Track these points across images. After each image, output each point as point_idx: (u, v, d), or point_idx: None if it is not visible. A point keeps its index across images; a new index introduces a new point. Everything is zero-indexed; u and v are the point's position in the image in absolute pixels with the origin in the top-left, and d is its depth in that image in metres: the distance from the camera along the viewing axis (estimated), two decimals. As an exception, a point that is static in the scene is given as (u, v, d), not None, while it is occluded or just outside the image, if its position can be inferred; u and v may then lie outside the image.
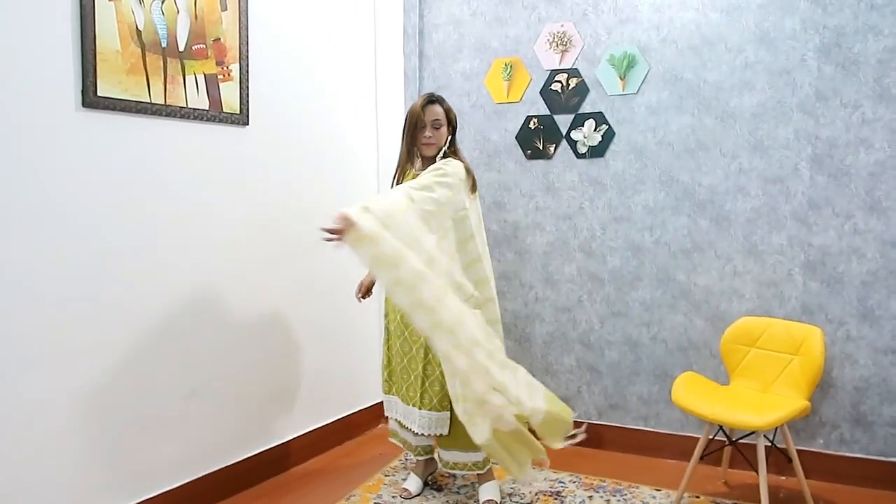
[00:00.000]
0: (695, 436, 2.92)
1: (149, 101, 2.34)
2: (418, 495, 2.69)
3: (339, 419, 3.30)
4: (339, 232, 1.99)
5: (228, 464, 2.70)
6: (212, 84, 2.58)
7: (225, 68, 2.63)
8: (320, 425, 3.19)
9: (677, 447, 3.02)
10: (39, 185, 2.05)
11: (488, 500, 2.56)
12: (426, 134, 2.51)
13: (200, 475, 2.58)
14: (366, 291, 2.78)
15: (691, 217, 3.00)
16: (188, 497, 2.52)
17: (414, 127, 2.53)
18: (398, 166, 2.62)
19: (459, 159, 2.54)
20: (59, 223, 2.10)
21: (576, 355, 3.26)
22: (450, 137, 2.59)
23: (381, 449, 3.18)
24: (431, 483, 2.80)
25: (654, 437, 3.10)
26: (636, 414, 3.15)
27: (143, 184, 2.35)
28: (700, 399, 2.50)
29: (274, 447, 2.92)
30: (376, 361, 3.16)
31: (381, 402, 2.85)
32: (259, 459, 2.84)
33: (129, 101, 2.28)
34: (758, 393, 2.61)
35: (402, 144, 2.60)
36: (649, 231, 3.08)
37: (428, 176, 2.36)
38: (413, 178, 2.48)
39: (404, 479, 2.80)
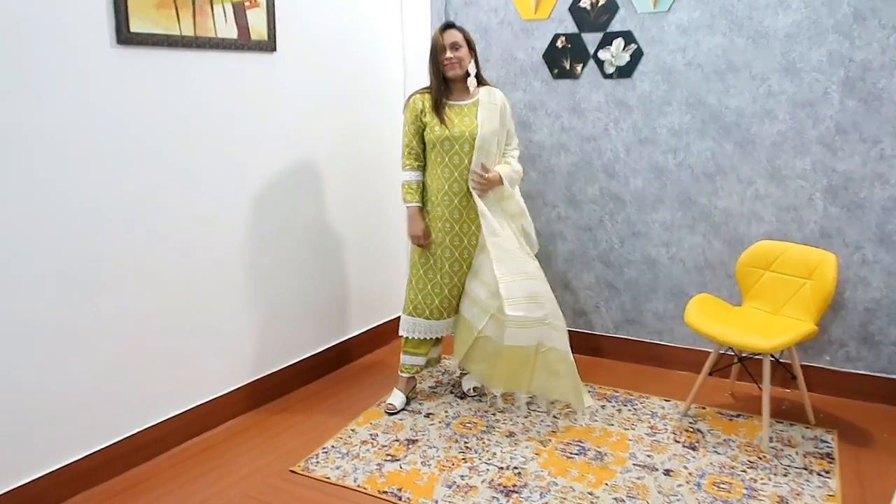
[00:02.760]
0: (705, 350, 3.08)
1: (179, 34, 2.39)
2: (402, 410, 2.90)
3: (385, 322, 3.60)
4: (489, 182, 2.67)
5: (306, 356, 3.10)
6: (239, 12, 2.60)
7: (251, -5, 2.64)
8: (374, 325, 3.54)
9: (688, 360, 3.20)
10: (85, 124, 2.16)
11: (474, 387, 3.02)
12: (447, 55, 2.64)
13: (281, 366, 3.04)
14: (426, 235, 2.79)
15: (716, 140, 3.00)
16: (273, 383, 2.96)
17: (434, 52, 2.66)
18: (433, 97, 2.70)
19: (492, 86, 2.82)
20: (112, 158, 2.23)
21: (595, 273, 3.38)
22: (472, 59, 2.70)
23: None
24: (412, 398, 3.01)
25: (666, 350, 3.27)
26: (651, 329, 3.31)
27: (179, 117, 2.45)
28: (711, 320, 2.63)
29: (336, 344, 3.31)
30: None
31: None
32: (326, 355, 3.25)
33: (160, 35, 2.33)
34: (768, 315, 2.74)
35: (430, 75, 2.70)
36: (673, 154, 3.11)
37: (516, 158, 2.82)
38: (450, 111, 2.68)
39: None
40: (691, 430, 2.72)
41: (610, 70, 3.14)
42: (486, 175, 2.66)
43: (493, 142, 2.67)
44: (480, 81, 2.74)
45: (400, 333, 2.90)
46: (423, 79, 2.80)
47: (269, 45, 2.75)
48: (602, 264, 3.36)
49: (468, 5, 3.38)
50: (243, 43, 2.64)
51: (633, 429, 2.73)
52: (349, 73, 3.19)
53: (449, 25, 2.67)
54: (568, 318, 3.47)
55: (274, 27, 2.75)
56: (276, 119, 2.84)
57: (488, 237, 2.66)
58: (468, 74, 2.68)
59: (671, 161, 3.11)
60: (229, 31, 2.57)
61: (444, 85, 2.70)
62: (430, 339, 2.88)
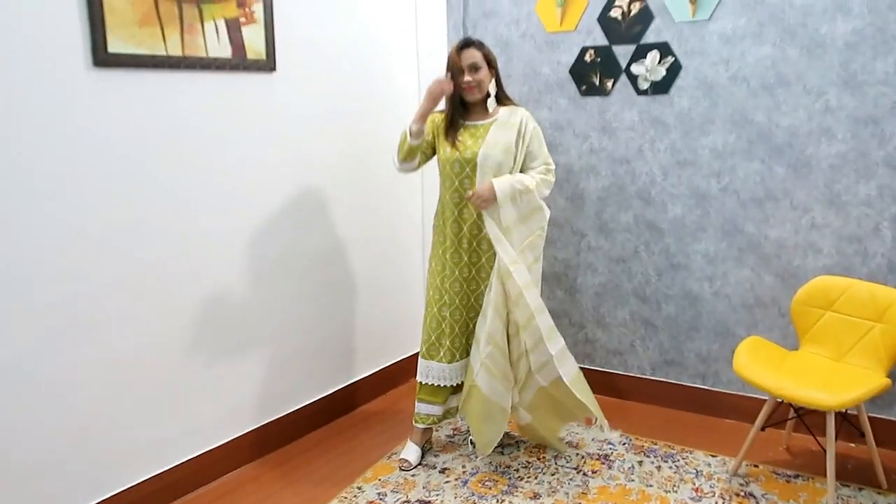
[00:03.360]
0: (756, 397, 2.74)
1: (165, 54, 2.17)
2: (418, 465, 2.60)
3: (397, 361, 3.33)
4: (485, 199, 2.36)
5: (312, 400, 2.89)
6: (234, 28, 2.38)
7: (247, 10, 2.41)
8: (385, 365, 3.28)
9: (737, 408, 2.86)
10: (61, 157, 1.94)
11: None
12: (465, 78, 2.39)
13: (283, 413, 2.76)
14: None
15: (765, 162, 2.68)
16: (274, 432, 2.71)
17: (452, 74, 2.40)
18: (447, 117, 2.48)
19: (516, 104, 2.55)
20: (93, 189, 2.01)
21: (630, 308, 3.07)
22: (493, 79, 2.47)
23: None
24: (428, 448, 2.71)
25: (711, 395, 2.93)
26: (693, 371, 2.98)
27: (168, 143, 2.22)
28: (765, 370, 2.30)
29: (344, 387, 3.06)
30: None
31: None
32: (333, 398, 2.99)
33: (143, 55, 2.11)
34: (830, 362, 2.39)
35: (445, 98, 2.46)
36: (716, 177, 2.79)
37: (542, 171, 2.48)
38: (465, 132, 2.46)
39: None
40: (742, 493, 2.38)
41: (644, 86, 2.85)
42: (475, 189, 2.37)
43: (497, 161, 2.39)
44: (503, 101, 2.49)
45: (417, 378, 2.62)
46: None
47: (267, 65, 2.52)
48: (637, 299, 3.04)
49: (488, 17, 3.12)
50: (238, 62, 2.41)
51: (675, 491, 2.40)
52: (358, 94, 2.94)
53: (467, 44, 2.41)
54: (599, 358, 3.16)
55: (273, 45, 2.52)
56: (276, 143, 2.60)
57: (509, 265, 2.35)
58: (488, 95, 2.45)
59: (714, 185, 2.80)
60: (222, 49, 2.35)
61: (462, 106, 2.47)
62: (448, 385, 2.59)
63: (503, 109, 2.47)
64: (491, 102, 2.46)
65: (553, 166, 2.50)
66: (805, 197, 2.63)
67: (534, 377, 2.48)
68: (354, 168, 2.96)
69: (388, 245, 3.20)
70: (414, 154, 2.46)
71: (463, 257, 2.49)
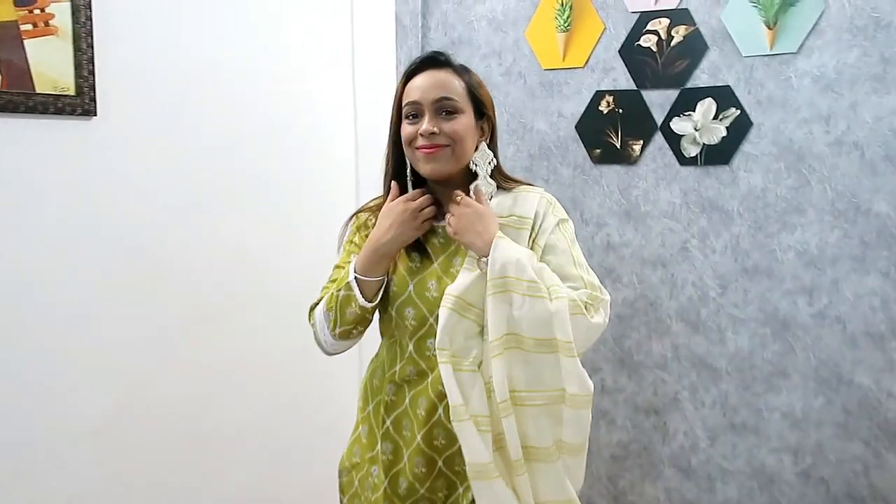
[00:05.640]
0: None
1: None
2: None
3: None
4: None
5: None
6: (7, 42, 1.37)
7: (36, 11, 1.42)
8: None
9: None
10: None
11: None
12: (425, 128, 1.23)
13: None
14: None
15: (890, 277, 1.69)
16: None
17: (399, 118, 1.29)
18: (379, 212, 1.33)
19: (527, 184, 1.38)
20: None
21: (664, 484, 2.01)
22: (485, 139, 1.31)
23: None
24: None
25: None
26: None
27: None
28: None
29: None
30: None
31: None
32: None
33: None
34: None
35: (384, 171, 1.36)
36: (807, 295, 1.78)
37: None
38: (432, 240, 1.32)
39: None
40: None
41: (692, 151, 1.87)
42: (461, 198, 1.24)
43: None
44: (503, 181, 1.34)
45: None
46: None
47: (79, 105, 1.51)
48: (677, 471, 1.99)
49: (457, 46, 2.15)
50: (17, 101, 1.40)
51: None
52: (245, 151, 1.92)
53: (430, 62, 1.28)
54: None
55: (91, 71, 1.52)
56: (93, 235, 1.57)
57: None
58: (470, 169, 1.30)
59: (804, 308, 1.79)
60: (-24, 76, 1.34)
61: (418, 188, 1.32)
62: None
63: (504, 197, 1.31)
64: (483, 185, 1.28)
65: (605, 297, 1.26)
66: (959, 336, 1.63)
67: None
68: (254, 285, 1.93)
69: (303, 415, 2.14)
70: (364, 322, 1.31)
71: (390, 457, 1.31)
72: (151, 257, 1.69)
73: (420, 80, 1.26)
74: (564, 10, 1.98)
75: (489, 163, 1.30)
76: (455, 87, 1.26)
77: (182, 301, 1.77)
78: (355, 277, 1.25)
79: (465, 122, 1.26)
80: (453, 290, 1.21)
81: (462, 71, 1.30)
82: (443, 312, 1.20)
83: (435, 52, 1.31)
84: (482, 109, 1.30)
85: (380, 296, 1.28)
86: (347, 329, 1.28)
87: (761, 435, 1.88)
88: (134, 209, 1.64)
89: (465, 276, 1.22)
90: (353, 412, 1.42)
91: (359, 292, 1.24)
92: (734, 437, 1.92)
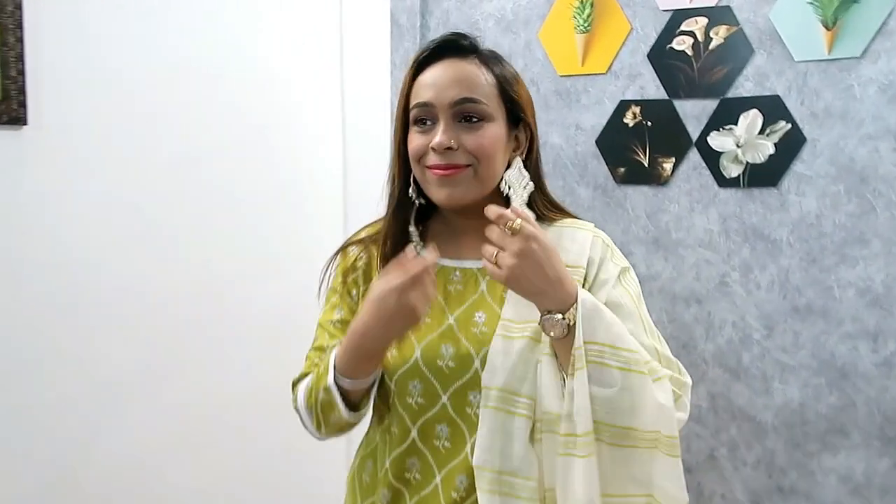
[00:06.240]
0: None
1: None
2: None
3: None
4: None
5: None
6: None
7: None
8: None
9: None
10: None
11: None
12: (438, 141, 0.92)
13: None
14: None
15: (973, 321, 1.44)
16: None
17: (405, 123, 0.98)
18: (386, 245, 1.02)
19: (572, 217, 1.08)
20: None
21: (700, 555, 1.75)
22: (521, 154, 1.01)
23: None
24: None
25: None
26: None
27: None
28: None
29: None
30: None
31: None
32: None
33: None
34: None
35: (389, 194, 1.04)
36: (871, 340, 1.53)
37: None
38: (444, 286, 1.00)
39: None
40: None
41: (733, 171, 1.62)
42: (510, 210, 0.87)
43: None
44: (546, 209, 1.04)
45: None
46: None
47: (7, 111, 1.23)
48: (714, 541, 1.73)
49: (460, 49, 1.91)
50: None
51: None
52: (226, 177, 1.66)
53: (449, 47, 0.97)
54: None
55: (22, 71, 1.24)
56: (24, 264, 1.29)
57: None
58: (501, 191, 0.98)
59: (866, 355, 1.54)
60: None
61: (424, 216, 1.05)
62: None
63: (547, 230, 1.02)
64: (519, 210, 0.90)
65: (687, 380, 1.01)
66: None
67: None
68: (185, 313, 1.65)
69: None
70: (356, 425, 1.01)
71: None
72: (93, 290, 1.41)
73: (434, 74, 0.94)
74: (584, 8, 1.74)
75: (524, 186, 0.98)
76: (482, 83, 0.94)
77: (130, 345, 1.49)
78: (328, 379, 0.91)
79: (493, 132, 0.94)
80: (492, 377, 0.89)
81: (493, 60, 0.98)
82: (485, 414, 0.89)
83: (456, 32, 0.98)
84: (518, 114, 0.99)
85: (371, 402, 0.97)
86: (334, 431, 0.99)
87: (814, 502, 1.62)
88: (72, 233, 1.37)
89: (505, 344, 0.91)
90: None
91: (340, 399, 0.91)
92: (781, 503, 1.65)
